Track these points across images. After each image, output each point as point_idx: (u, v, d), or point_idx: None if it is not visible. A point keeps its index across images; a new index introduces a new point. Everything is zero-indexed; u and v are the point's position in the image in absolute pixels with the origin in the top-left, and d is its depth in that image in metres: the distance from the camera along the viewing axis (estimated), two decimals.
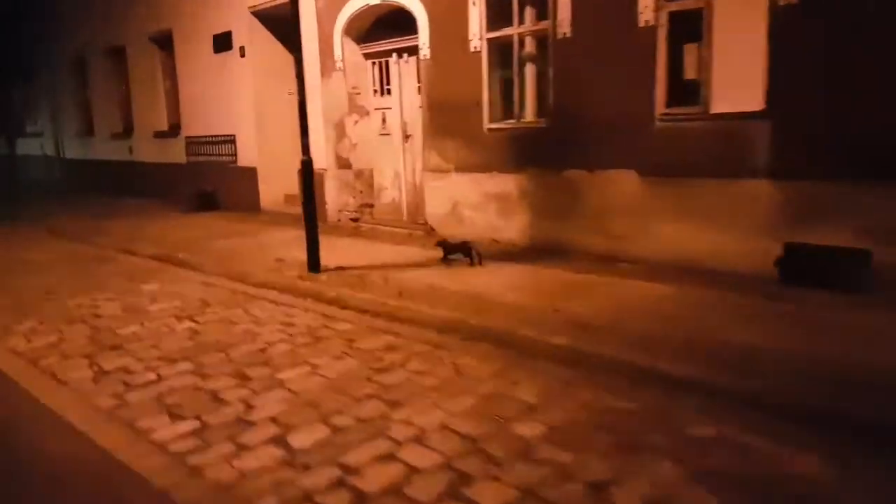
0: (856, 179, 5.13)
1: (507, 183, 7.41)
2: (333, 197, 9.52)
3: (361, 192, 9.29)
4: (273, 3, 9.81)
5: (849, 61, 5.15)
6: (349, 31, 8.93)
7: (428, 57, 7.96)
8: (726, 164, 5.78)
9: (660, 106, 6.16)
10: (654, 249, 6.22)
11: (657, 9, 6.07)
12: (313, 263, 6.54)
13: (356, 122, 9.22)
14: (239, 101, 10.93)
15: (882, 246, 5.01)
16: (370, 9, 8.55)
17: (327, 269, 6.52)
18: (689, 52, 6.14)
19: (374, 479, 2.83)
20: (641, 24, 6.14)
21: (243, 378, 4.09)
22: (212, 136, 11.68)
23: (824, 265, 5.18)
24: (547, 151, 7.03)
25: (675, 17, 6.08)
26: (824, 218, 5.29)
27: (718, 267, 5.70)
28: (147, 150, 13.83)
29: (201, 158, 11.99)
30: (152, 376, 4.17)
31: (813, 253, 5.23)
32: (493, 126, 7.53)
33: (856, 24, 5.14)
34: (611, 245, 6.52)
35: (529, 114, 7.42)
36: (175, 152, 12.75)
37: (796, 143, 5.42)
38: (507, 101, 7.59)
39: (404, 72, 8.68)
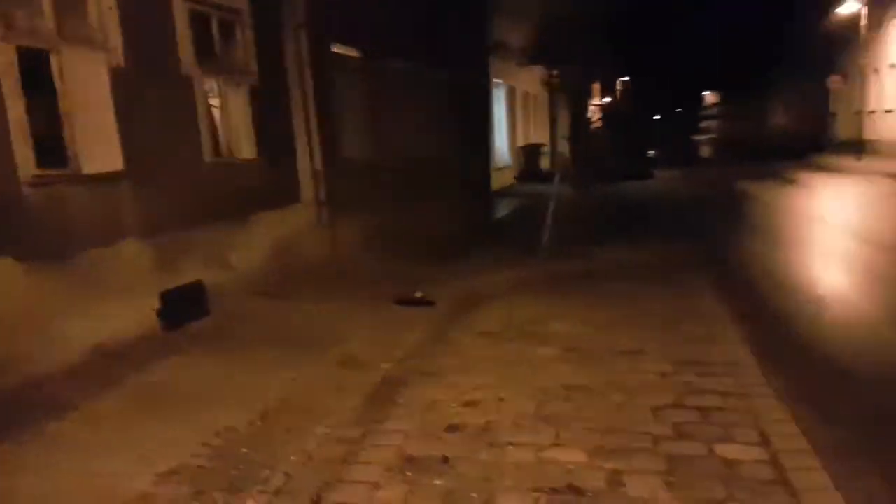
0: (195, 224, 6.41)
1: None
2: None
3: None
4: None
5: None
6: None
7: None
8: (104, 228, 5.55)
9: (26, 165, 4.84)
10: (63, 354, 4.91)
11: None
12: None
13: None
14: None
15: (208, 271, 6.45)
16: None
17: None
18: (45, 104, 5.18)
19: None
20: None
21: None
22: None
23: (188, 301, 6.14)
24: None
25: (24, 57, 4.82)
26: (183, 259, 6.29)
27: (119, 341, 5.33)
28: None
29: None
30: None
31: (179, 294, 6.06)
32: None
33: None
34: (7, 374, 4.55)
35: None
36: None
37: (152, 198, 5.96)
38: None
39: None
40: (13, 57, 4.72)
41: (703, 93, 54.90)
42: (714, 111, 52.32)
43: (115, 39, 5.61)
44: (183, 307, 6.19)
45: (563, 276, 7.75)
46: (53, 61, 5.11)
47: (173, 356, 5.37)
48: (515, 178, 21.41)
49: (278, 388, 4.52)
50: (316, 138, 8.46)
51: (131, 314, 5.65)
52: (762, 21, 34.46)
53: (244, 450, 3.64)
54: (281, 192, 8.04)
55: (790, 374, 4.39)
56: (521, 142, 22.87)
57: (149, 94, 6.01)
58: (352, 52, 9.77)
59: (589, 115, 26.03)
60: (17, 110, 4.76)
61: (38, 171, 4.94)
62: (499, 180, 18.76)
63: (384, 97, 10.73)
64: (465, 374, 4.67)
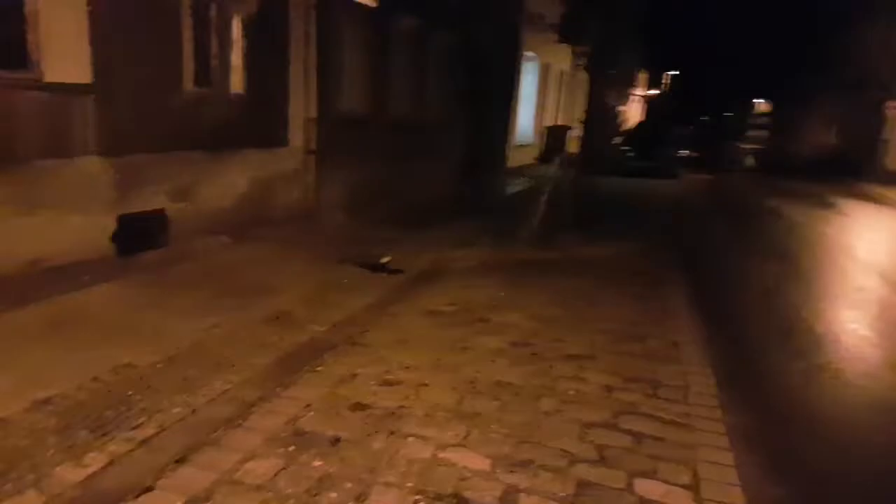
0: (166, 152, 6.19)
1: None
2: None
3: None
4: None
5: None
6: None
7: None
8: (60, 141, 5.30)
9: None
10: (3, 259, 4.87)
11: None
12: None
13: None
14: None
15: (173, 203, 6.33)
16: None
17: None
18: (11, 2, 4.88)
19: None
20: None
21: None
22: None
23: (147, 229, 6.07)
24: None
25: None
26: (148, 185, 6.09)
27: (66, 259, 5.26)
28: None
29: None
30: None
31: (138, 220, 5.95)
32: None
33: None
34: None
35: None
36: None
37: (121, 118, 5.73)
38: None
39: None
40: None
41: (755, 100, 53.25)
42: (763, 121, 50.86)
43: None
44: (140, 235, 6.03)
45: (536, 265, 7.37)
46: None
47: (112, 282, 5.19)
48: (536, 158, 20.88)
49: (197, 333, 4.30)
50: (313, 84, 8.12)
51: (83, 233, 5.50)
52: (824, 37, 33.26)
53: (131, 391, 3.41)
54: (266, 133, 7.73)
55: (749, 413, 4.00)
56: (549, 122, 22.32)
57: (129, 7, 5.71)
58: (365, 0, 9.38)
59: (615, 102, 25.18)
60: None
61: None
62: (517, 158, 18.33)
63: (394, 53, 10.36)
64: (397, 351, 4.38)
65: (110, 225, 5.73)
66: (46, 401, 3.21)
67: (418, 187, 10.54)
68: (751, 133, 49.23)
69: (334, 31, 8.54)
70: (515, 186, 14.87)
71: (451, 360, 4.32)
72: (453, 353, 4.46)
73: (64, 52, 5.19)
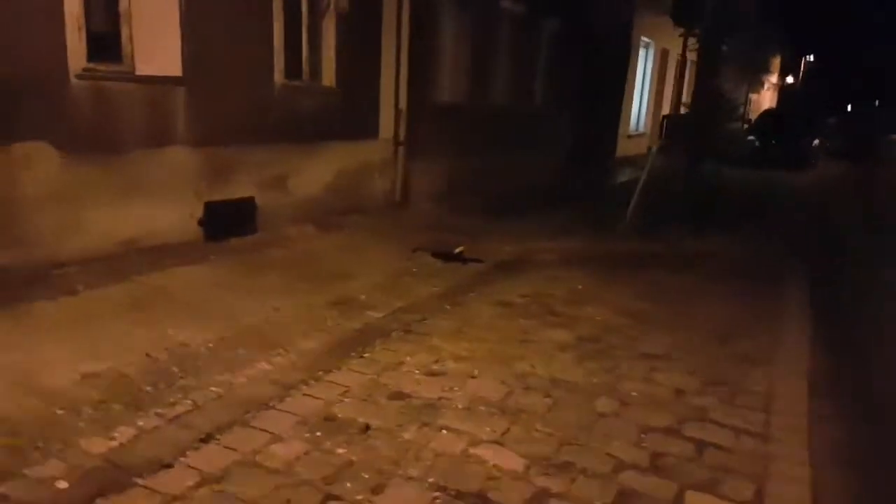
0: (256, 143, 6.33)
1: None
2: None
3: None
4: None
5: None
6: None
7: None
8: (152, 131, 5.51)
9: (78, 58, 4.85)
10: (92, 243, 5.09)
11: None
12: None
13: None
14: None
15: (262, 191, 6.49)
16: None
17: None
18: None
19: None
20: None
21: None
22: None
23: (235, 216, 6.21)
24: None
25: None
26: (238, 174, 6.23)
27: (155, 242, 5.52)
28: None
29: None
30: None
31: (226, 207, 6.10)
32: None
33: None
34: (32, 254, 4.70)
35: None
36: None
37: (210, 109, 5.87)
38: None
39: None
40: None
41: None
42: None
43: None
44: (228, 221, 6.20)
45: (629, 258, 6.88)
46: None
47: (194, 265, 5.38)
48: (650, 148, 19.88)
49: (258, 315, 4.34)
50: (404, 75, 8.07)
51: (172, 219, 5.71)
52: None
53: (175, 368, 3.47)
54: (356, 125, 7.74)
55: (843, 429, 3.46)
56: (667, 110, 21.22)
57: (220, 3, 5.88)
58: None
59: (735, 87, 23.27)
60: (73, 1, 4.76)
61: (88, 65, 4.95)
62: (629, 148, 17.56)
63: (493, 39, 10.13)
64: (451, 340, 4.21)
65: (198, 211, 5.94)
66: (94, 374, 3.32)
67: (516, 177, 10.27)
68: None
69: (429, 18, 8.46)
70: (622, 177, 14.20)
71: (507, 353, 4.10)
72: (512, 346, 4.24)
73: (155, 45, 5.41)
